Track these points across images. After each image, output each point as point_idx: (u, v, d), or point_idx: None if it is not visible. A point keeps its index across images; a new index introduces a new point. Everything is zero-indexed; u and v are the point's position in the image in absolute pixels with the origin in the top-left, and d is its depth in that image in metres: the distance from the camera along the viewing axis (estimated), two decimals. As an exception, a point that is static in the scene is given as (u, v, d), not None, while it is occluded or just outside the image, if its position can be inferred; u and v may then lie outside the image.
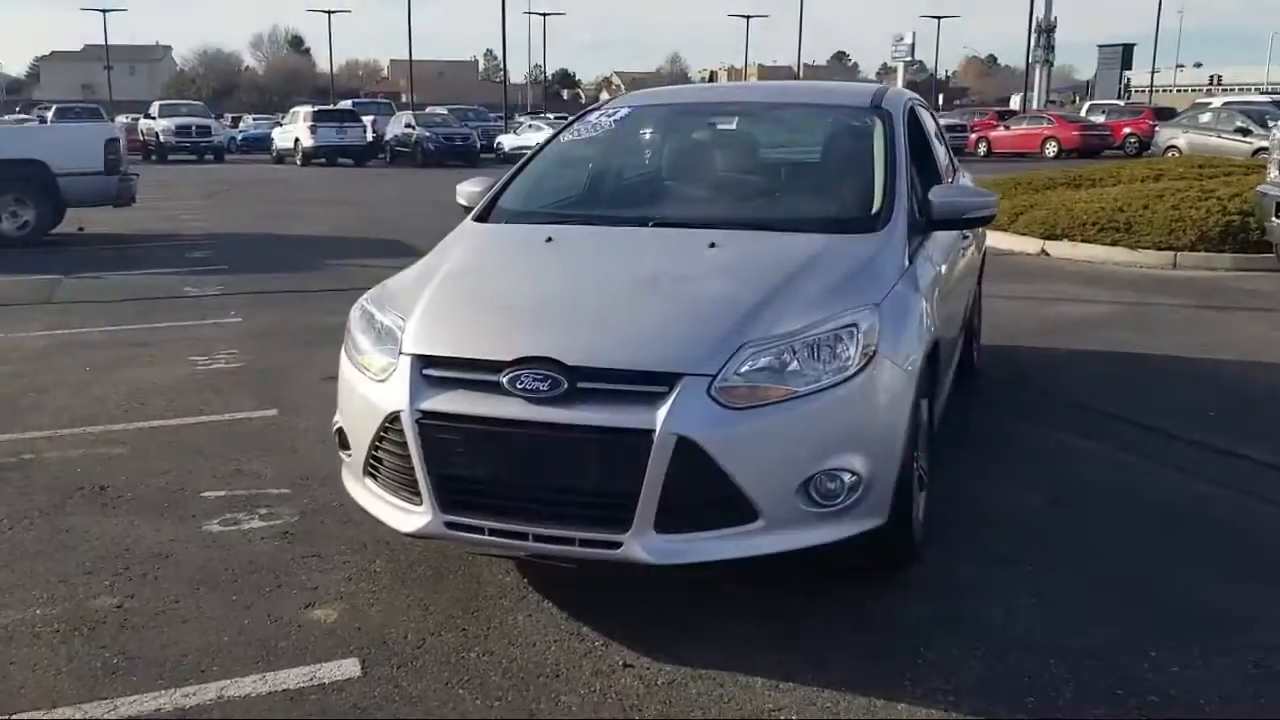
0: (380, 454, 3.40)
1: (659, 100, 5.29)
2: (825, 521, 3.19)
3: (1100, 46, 62.29)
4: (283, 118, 39.39)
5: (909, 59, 56.36)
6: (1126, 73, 64.28)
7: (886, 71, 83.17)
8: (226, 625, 3.32)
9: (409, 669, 3.07)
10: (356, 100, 47.44)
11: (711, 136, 4.89)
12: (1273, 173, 9.69)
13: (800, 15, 65.79)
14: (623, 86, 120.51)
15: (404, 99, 61.47)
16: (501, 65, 72.92)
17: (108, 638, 3.25)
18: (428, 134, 33.50)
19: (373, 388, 3.41)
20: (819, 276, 3.53)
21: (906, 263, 3.81)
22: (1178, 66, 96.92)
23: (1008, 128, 37.55)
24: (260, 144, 40.03)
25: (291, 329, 7.81)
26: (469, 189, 4.66)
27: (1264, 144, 24.39)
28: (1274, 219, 9.48)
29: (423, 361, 3.32)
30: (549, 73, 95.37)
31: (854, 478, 3.17)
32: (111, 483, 4.56)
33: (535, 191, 4.60)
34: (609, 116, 4.92)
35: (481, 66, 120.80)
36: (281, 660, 3.11)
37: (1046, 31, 48.32)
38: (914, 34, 55.46)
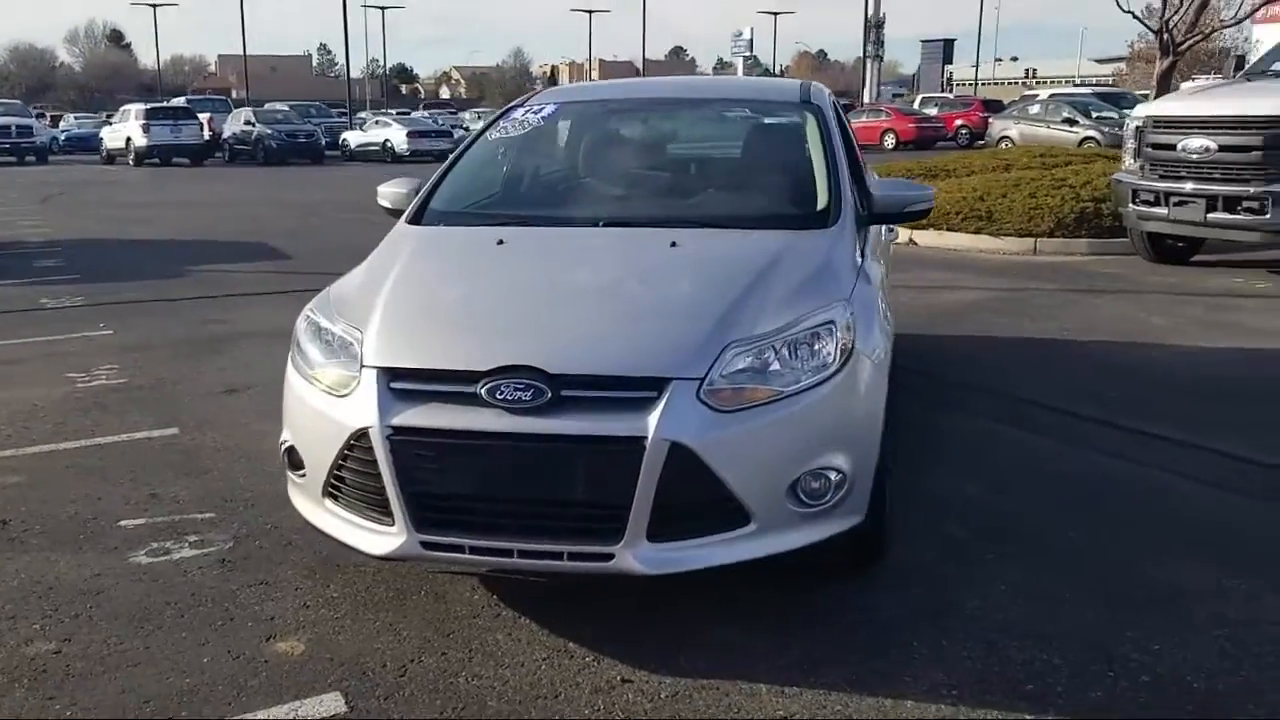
0: (344, 473, 3.20)
1: (584, 96, 5.16)
2: (812, 522, 3.16)
3: (923, 41, 64.81)
4: (110, 116, 37.53)
5: (747, 54, 57.36)
6: (949, 66, 66.99)
7: (724, 66, 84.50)
8: (185, 666, 3.08)
9: (397, 699, 2.90)
10: (190, 97, 45.45)
11: (645, 134, 4.80)
12: (1127, 161, 10.14)
13: (644, 10, 66.35)
14: (462, 81, 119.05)
15: (235, 95, 59.36)
16: (341, 60, 71.01)
17: (54, 687, 2.97)
18: (269, 131, 32.40)
19: (332, 403, 3.22)
20: (785, 274, 3.49)
21: (859, 257, 3.82)
22: (996, 60, 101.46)
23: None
24: (86, 144, 38.04)
25: (168, 340, 7.37)
26: (393, 190, 4.47)
27: (1090, 133, 25.93)
28: (1129, 205, 9.94)
29: (389, 374, 3.15)
30: (387, 67, 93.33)
31: (839, 475, 3.15)
32: (13, 516, 4.19)
33: (468, 192, 4.43)
34: (535, 114, 4.76)
35: (315, 61, 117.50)
36: (256, 700, 2.90)
37: (876, 27, 49.72)
38: (752, 29, 56.48)
